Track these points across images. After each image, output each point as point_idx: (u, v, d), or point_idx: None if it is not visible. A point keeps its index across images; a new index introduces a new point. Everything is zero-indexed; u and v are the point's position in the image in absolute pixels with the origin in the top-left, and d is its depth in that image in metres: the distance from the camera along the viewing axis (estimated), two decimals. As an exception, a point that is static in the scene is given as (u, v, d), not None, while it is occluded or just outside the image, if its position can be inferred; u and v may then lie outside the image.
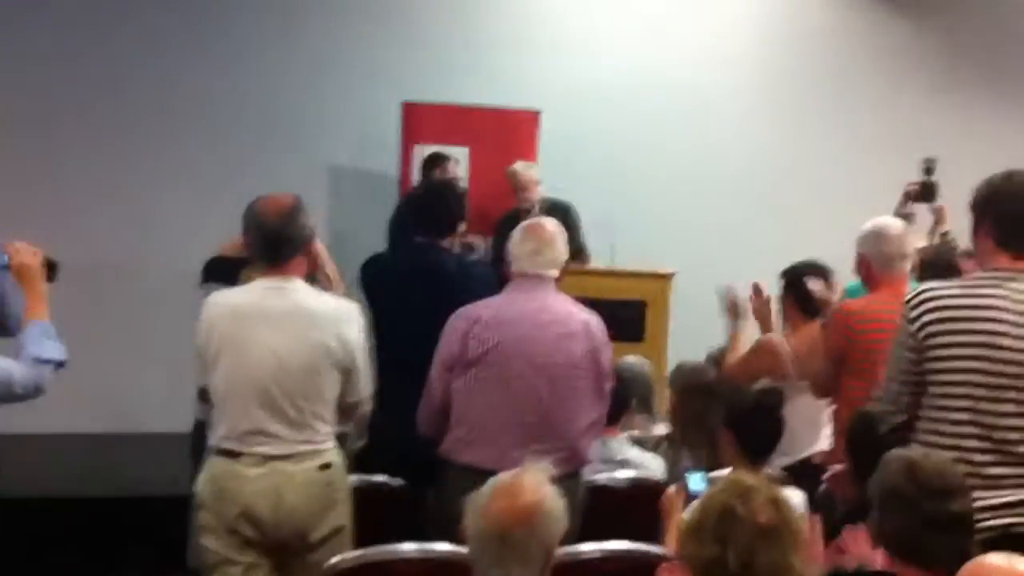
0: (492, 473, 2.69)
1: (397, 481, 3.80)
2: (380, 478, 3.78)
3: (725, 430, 3.58)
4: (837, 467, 3.54)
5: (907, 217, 5.58)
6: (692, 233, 7.43)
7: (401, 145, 6.93)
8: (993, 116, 8.27)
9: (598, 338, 3.64)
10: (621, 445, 4.01)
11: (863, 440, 3.28)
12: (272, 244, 3.38)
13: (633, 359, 4.38)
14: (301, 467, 3.29)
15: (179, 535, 3.98)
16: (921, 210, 5.77)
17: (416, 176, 6.74)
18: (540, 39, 7.61)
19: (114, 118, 6.93)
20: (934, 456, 2.71)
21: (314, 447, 3.33)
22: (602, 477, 3.80)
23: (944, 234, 5.68)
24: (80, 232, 6.47)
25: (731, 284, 4.59)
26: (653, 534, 3.33)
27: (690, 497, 3.25)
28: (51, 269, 3.14)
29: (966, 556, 2.30)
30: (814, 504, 3.46)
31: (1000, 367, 3.02)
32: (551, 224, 3.75)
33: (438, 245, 4.12)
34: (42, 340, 3.03)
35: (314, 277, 3.77)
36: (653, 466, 3.98)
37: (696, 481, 3.29)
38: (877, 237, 4.08)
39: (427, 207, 4.23)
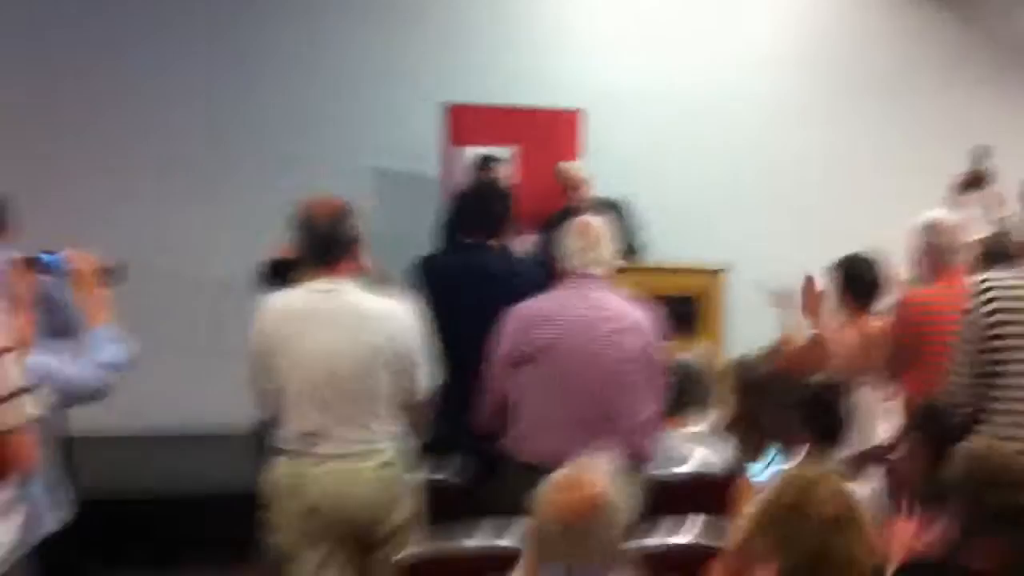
0: (550, 469, 2.67)
1: (459, 478, 3.80)
2: (442, 474, 3.79)
3: (788, 421, 3.53)
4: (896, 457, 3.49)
5: (958, 207, 5.54)
6: (742, 228, 7.38)
7: (443, 147, 6.93)
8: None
9: (652, 333, 3.63)
10: (681, 440, 3.98)
11: (928, 432, 3.23)
12: (322, 245, 3.41)
13: (690, 355, 4.35)
14: (363, 465, 3.32)
15: (246, 532, 3.99)
16: (972, 199, 5.71)
17: (462, 178, 6.74)
18: (581, 38, 7.60)
19: (157, 123, 6.98)
20: (999, 448, 2.67)
21: (375, 446, 3.35)
22: (663, 472, 3.77)
23: (1001, 219, 5.60)
24: (141, 234, 6.54)
25: (774, 281, 4.54)
26: (716, 527, 3.29)
27: (756, 487, 3.22)
28: (117, 272, 3.20)
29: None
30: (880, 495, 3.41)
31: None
32: (598, 222, 3.76)
33: (486, 245, 4.12)
34: (103, 344, 3.08)
35: (378, 275, 3.78)
36: (714, 461, 3.94)
37: (759, 471, 3.26)
38: (931, 230, 4.07)
39: (473, 208, 4.24)
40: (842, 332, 4.36)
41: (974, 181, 5.64)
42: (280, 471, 3.36)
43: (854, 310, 4.43)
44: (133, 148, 6.94)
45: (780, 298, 4.58)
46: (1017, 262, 4.03)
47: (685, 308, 5.72)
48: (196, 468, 6.16)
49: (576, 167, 6.65)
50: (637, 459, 3.57)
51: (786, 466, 3.49)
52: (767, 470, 3.35)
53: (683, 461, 3.91)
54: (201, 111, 7.06)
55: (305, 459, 3.31)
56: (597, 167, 6.78)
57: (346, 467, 3.30)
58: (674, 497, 3.66)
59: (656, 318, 3.69)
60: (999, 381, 3.10)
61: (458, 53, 7.35)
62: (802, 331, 4.49)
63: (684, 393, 4.10)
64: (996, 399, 3.11)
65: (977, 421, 3.19)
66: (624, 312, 3.62)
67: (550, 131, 6.94)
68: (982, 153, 5.66)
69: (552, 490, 2.50)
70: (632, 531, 2.75)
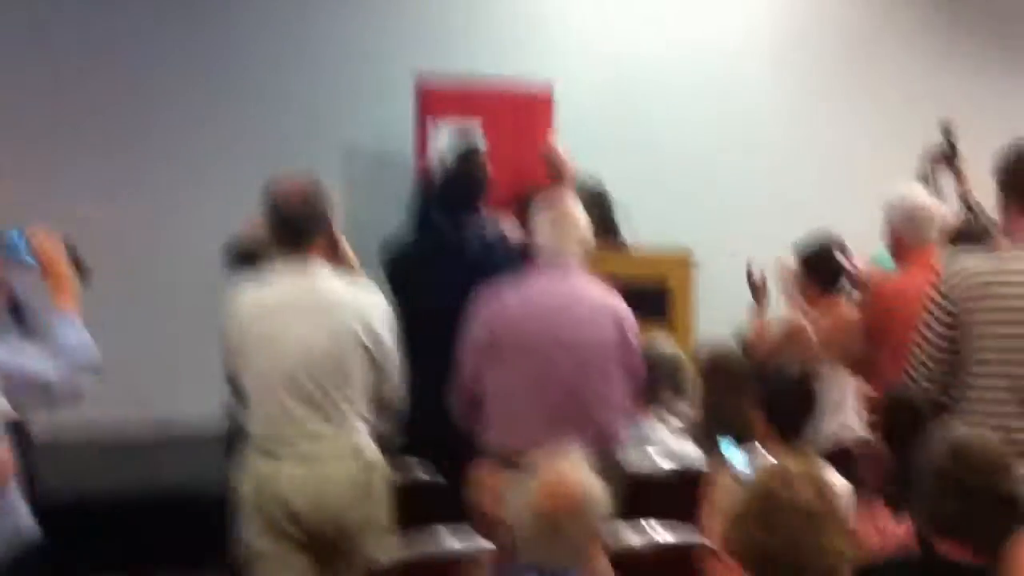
0: (524, 455, 2.64)
1: (435, 475, 3.75)
2: (418, 474, 3.76)
3: (757, 410, 3.52)
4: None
5: (930, 180, 5.53)
6: (711, 210, 7.35)
7: (416, 120, 6.85)
8: (1007, 77, 8.18)
9: (625, 319, 3.62)
10: (653, 427, 3.97)
11: (896, 418, 3.23)
12: (292, 228, 3.36)
13: (661, 340, 4.32)
14: (339, 463, 3.28)
15: (217, 531, 3.94)
16: (943, 174, 5.71)
17: (434, 153, 6.66)
18: (555, 9, 7.50)
19: (122, 105, 6.82)
20: (980, 435, 2.65)
21: (351, 443, 3.31)
22: (643, 465, 3.75)
23: (964, 194, 5.60)
24: (98, 224, 6.36)
25: (753, 264, 4.52)
26: (694, 521, 3.28)
27: (728, 479, 3.21)
28: (82, 272, 3.00)
29: (1013, 536, 2.26)
30: (855, 485, 3.41)
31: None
32: (573, 206, 3.70)
33: (462, 221, 4.06)
34: (69, 334, 2.86)
35: (338, 259, 3.72)
36: (687, 451, 3.93)
37: (730, 449, 3.25)
38: (905, 209, 4.04)
39: (448, 186, 4.17)
40: (809, 316, 4.35)
41: (944, 155, 5.64)
42: (253, 470, 3.31)
43: (818, 295, 4.41)
44: (99, 124, 6.81)
45: (755, 283, 4.57)
46: (984, 244, 4.07)
47: (656, 294, 5.67)
48: (165, 469, 6.07)
49: (564, 149, 6.59)
50: (610, 444, 3.55)
51: (756, 457, 3.49)
52: (738, 461, 3.33)
53: (656, 450, 3.89)
54: (164, 93, 6.91)
55: (279, 457, 3.27)
56: (572, 141, 6.73)
57: (321, 465, 3.26)
58: (651, 490, 3.66)
59: (625, 305, 3.66)
60: (965, 368, 3.09)
61: (430, 27, 7.25)
62: (770, 317, 4.50)
63: (655, 380, 4.08)
64: (961, 386, 3.10)
65: (943, 408, 3.19)
66: (598, 298, 3.61)
67: (521, 104, 6.87)
68: (949, 126, 5.65)
69: (532, 486, 2.48)
70: (609, 526, 2.73)
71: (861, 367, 4.09)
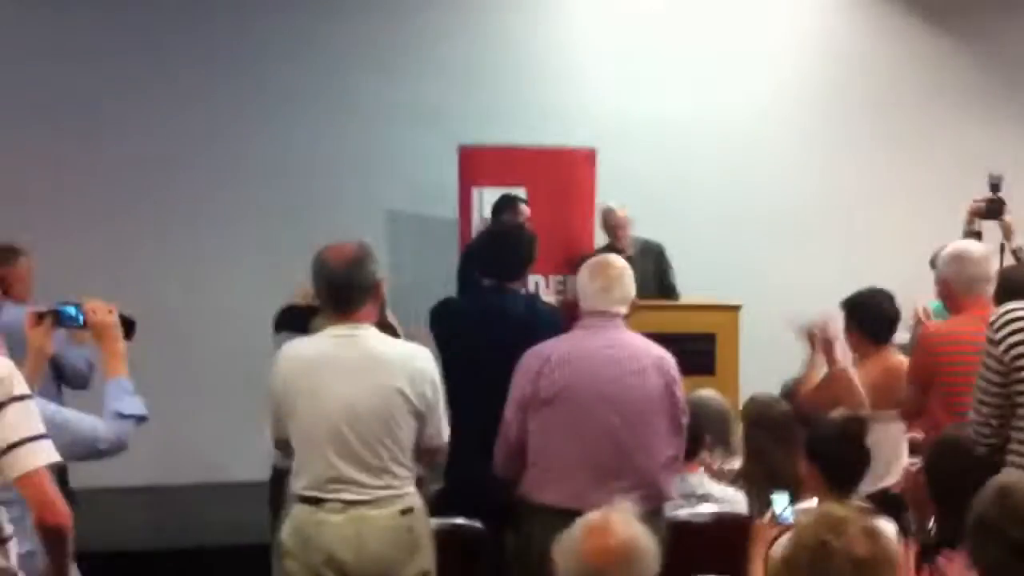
0: (571, 512, 2.66)
1: (476, 524, 3.77)
2: (459, 520, 3.76)
3: (808, 461, 3.51)
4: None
5: (975, 235, 5.52)
6: (754, 266, 7.38)
7: (459, 188, 6.95)
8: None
9: (671, 373, 3.62)
10: (700, 480, 3.96)
11: (944, 466, 3.20)
12: (340, 293, 3.40)
13: (707, 392, 4.32)
14: (382, 512, 3.29)
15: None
16: (989, 227, 5.69)
17: (477, 219, 6.77)
18: (595, 76, 7.63)
19: (170, 168, 7.03)
20: None
21: (394, 492, 3.33)
22: (684, 512, 3.75)
23: (1016, 250, 5.59)
24: (144, 285, 6.56)
25: (813, 315, 4.53)
26: (738, 570, 3.26)
27: (778, 523, 3.20)
28: (128, 327, 3.17)
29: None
30: (904, 532, 3.38)
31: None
32: (619, 261, 3.77)
33: (506, 288, 4.12)
34: (121, 396, 3.05)
35: (384, 323, 3.78)
36: (735, 500, 3.91)
37: (780, 503, 3.24)
38: (959, 260, 4.03)
39: (495, 251, 4.24)
40: (860, 368, 4.34)
41: (989, 210, 5.61)
42: (298, 520, 3.33)
43: (869, 346, 4.41)
44: (147, 194, 6.99)
45: (807, 334, 4.56)
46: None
47: (702, 346, 5.71)
48: (211, 518, 6.15)
49: (622, 207, 6.70)
50: (657, 500, 3.55)
51: (805, 506, 3.47)
52: (786, 510, 3.32)
53: (704, 502, 3.87)
54: (213, 157, 7.11)
55: (324, 507, 3.29)
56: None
57: (366, 514, 3.27)
58: (697, 539, 3.64)
59: (672, 358, 3.68)
60: (1017, 413, 3.08)
61: (473, 94, 7.39)
62: (820, 368, 4.48)
63: (703, 432, 4.07)
64: (1015, 431, 3.09)
65: (1004, 452, 3.17)
66: (644, 351, 3.62)
67: (564, 170, 6.96)
68: (997, 182, 5.64)
69: (579, 536, 2.48)
70: None
71: (910, 413, 4.07)
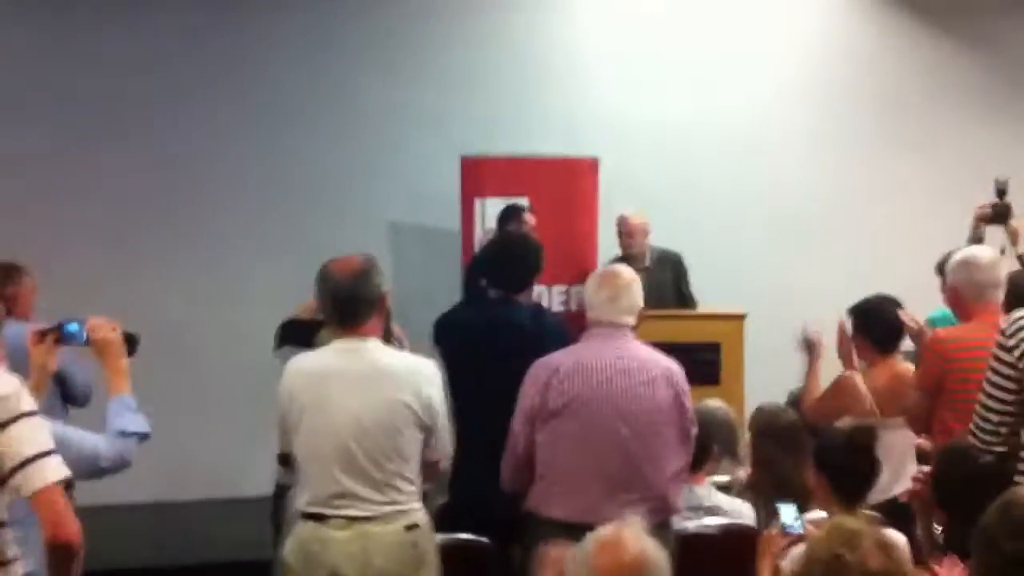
0: (579, 526, 2.64)
1: (483, 539, 3.75)
2: (466, 536, 3.73)
3: (816, 472, 3.48)
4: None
5: (981, 241, 5.49)
6: (758, 273, 7.34)
7: (460, 199, 6.94)
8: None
9: (679, 384, 3.60)
10: (708, 491, 3.93)
11: (952, 474, 3.18)
12: (346, 306, 3.38)
13: (713, 403, 4.29)
14: (388, 528, 3.27)
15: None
16: (994, 232, 5.66)
17: (480, 229, 6.75)
18: (597, 85, 7.60)
19: (171, 180, 7.01)
20: None
21: (399, 507, 3.31)
22: (692, 525, 3.72)
23: (1022, 255, 5.55)
24: (148, 300, 6.54)
25: (808, 322, 4.51)
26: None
27: (786, 533, 3.18)
28: (130, 343, 3.15)
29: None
30: (913, 542, 3.36)
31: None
32: (626, 271, 3.74)
33: (512, 299, 4.11)
34: (124, 413, 3.04)
35: (389, 336, 3.76)
36: (742, 511, 3.89)
37: (788, 513, 3.22)
38: (967, 266, 4.01)
39: (500, 262, 4.23)
40: (867, 376, 4.32)
41: (996, 215, 5.58)
42: (301, 536, 3.31)
43: (876, 354, 4.39)
44: (151, 208, 6.97)
45: (805, 342, 4.54)
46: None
47: (707, 355, 5.69)
48: (214, 535, 6.13)
49: (636, 214, 6.68)
50: (665, 513, 3.53)
51: (814, 516, 3.45)
52: (795, 520, 3.29)
53: (711, 514, 3.85)
54: (219, 166, 7.10)
55: (328, 523, 3.26)
56: (614, 214, 6.80)
57: (371, 530, 3.25)
58: (705, 551, 3.62)
59: (680, 368, 3.66)
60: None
61: (474, 104, 7.36)
62: (826, 376, 4.46)
63: (709, 442, 4.04)
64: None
65: (1009, 461, 3.15)
66: (650, 362, 3.59)
67: (566, 179, 6.94)
68: (1003, 186, 5.60)
69: (591, 552, 2.46)
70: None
71: (918, 420, 4.04)
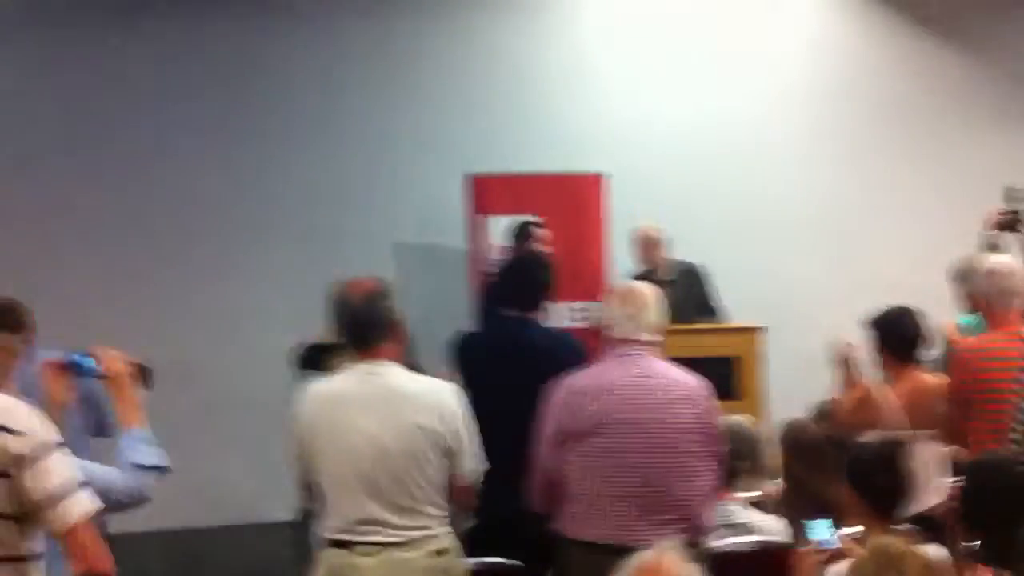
0: (612, 547, 2.59)
1: (513, 562, 3.69)
2: (496, 559, 3.68)
3: (849, 487, 3.41)
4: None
5: (992, 248, 5.45)
6: (770, 284, 7.30)
7: (467, 217, 6.90)
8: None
9: (707, 401, 3.55)
10: (738, 508, 3.86)
11: (982, 487, 3.11)
12: (360, 329, 3.33)
13: (738, 418, 4.22)
14: (416, 554, 3.22)
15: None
16: (1007, 239, 5.62)
17: (487, 248, 6.71)
18: (601, 101, 7.58)
19: (177, 201, 7.00)
20: None
21: (428, 532, 3.26)
22: (725, 542, 3.65)
23: None
24: (166, 328, 6.53)
25: (839, 337, 4.46)
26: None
27: (820, 549, 3.12)
28: (145, 375, 3.10)
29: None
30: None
31: None
32: (647, 288, 3.68)
33: (527, 318, 4.05)
34: (139, 447, 2.98)
35: (410, 360, 3.70)
36: (774, 528, 3.82)
37: (820, 530, 3.16)
38: (989, 274, 3.98)
39: (514, 280, 4.17)
40: (890, 389, 4.26)
41: (1009, 222, 5.54)
42: (330, 563, 3.25)
43: (898, 365, 4.33)
44: (152, 237, 6.95)
45: (840, 356, 4.48)
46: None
47: (724, 369, 5.62)
48: (228, 561, 6.07)
49: (650, 229, 6.63)
50: (698, 533, 3.47)
51: (850, 531, 3.38)
52: (828, 537, 3.23)
53: (743, 531, 3.78)
54: (225, 193, 7.07)
55: (356, 550, 3.21)
56: (623, 229, 6.75)
57: (399, 556, 3.20)
58: (739, 569, 3.55)
59: (706, 384, 3.60)
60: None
61: (478, 121, 7.34)
62: (851, 389, 4.40)
63: (736, 459, 3.97)
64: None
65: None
66: (676, 380, 3.54)
67: (573, 196, 6.91)
68: (1015, 194, 5.57)
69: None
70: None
71: (947, 432, 3.99)
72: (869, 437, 3.97)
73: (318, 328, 4.31)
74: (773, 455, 4.25)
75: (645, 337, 3.56)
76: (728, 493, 3.86)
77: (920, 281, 5.78)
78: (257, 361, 6.19)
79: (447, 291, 6.96)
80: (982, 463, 3.26)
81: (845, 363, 4.45)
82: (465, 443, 3.35)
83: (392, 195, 7.26)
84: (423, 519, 3.24)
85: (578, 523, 3.47)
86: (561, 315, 6.62)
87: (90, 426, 4.22)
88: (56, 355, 3.15)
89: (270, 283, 6.93)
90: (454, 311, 6.46)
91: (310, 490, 3.41)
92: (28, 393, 2.85)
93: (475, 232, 6.86)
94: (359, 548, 3.20)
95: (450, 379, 3.65)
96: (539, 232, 6.37)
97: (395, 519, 3.21)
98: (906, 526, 3.50)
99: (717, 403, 3.60)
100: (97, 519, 2.51)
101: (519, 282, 4.17)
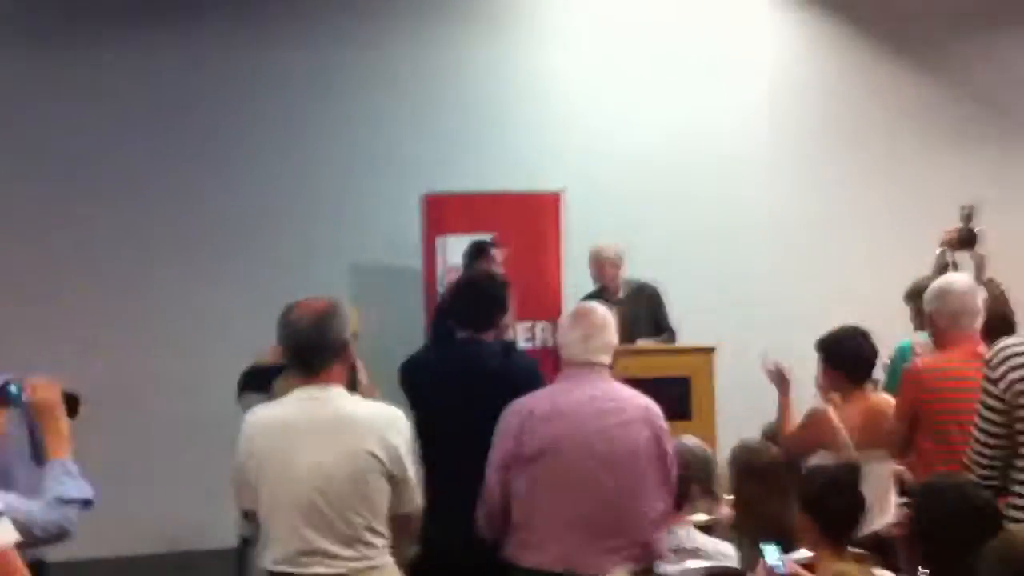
0: (560, 575, 2.51)
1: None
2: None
3: (802, 511, 3.38)
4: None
5: (947, 267, 5.46)
6: (725, 305, 7.30)
7: (424, 237, 6.84)
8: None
9: (658, 423, 3.49)
10: (689, 532, 3.80)
11: (932, 512, 3.08)
12: (307, 352, 3.23)
13: (691, 440, 4.17)
14: None
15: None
16: (962, 258, 5.63)
17: (442, 267, 6.66)
18: (558, 120, 7.57)
19: (130, 224, 6.91)
20: None
21: (370, 563, 3.15)
22: (674, 569, 3.59)
23: (988, 281, 5.52)
24: (111, 353, 6.41)
25: (768, 355, 4.44)
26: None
27: (770, 573, 3.08)
28: (71, 404, 2.98)
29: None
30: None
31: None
32: (600, 309, 3.63)
33: (480, 340, 3.98)
34: (63, 479, 2.86)
35: (354, 384, 3.62)
36: (725, 552, 3.77)
37: (772, 554, 3.12)
38: (942, 294, 3.95)
39: (466, 301, 4.10)
40: (842, 409, 4.23)
41: (963, 241, 5.55)
42: (268, 593, 3.15)
43: (849, 386, 4.31)
44: (94, 254, 6.86)
45: (774, 375, 4.46)
46: (1011, 326, 3.98)
47: (678, 389, 5.59)
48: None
49: (606, 247, 6.59)
50: (648, 559, 3.42)
51: (798, 556, 3.35)
52: (778, 561, 3.19)
53: (694, 556, 3.72)
54: (177, 213, 6.98)
55: (295, 580, 3.11)
56: (581, 248, 6.71)
57: (339, 587, 3.10)
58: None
59: (658, 407, 3.55)
60: (1017, 452, 2.99)
61: (434, 141, 7.30)
62: (793, 409, 4.38)
63: (689, 481, 3.92)
64: (1016, 470, 3.00)
65: (1000, 493, 3.08)
66: (630, 402, 3.48)
67: (530, 215, 6.87)
68: (971, 212, 5.58)
69: None
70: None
71: (897, 448, 3.98)
72: (822, 461, 3.96)
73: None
74: (724, 477, 4.21)
75: (597, 359, 3.51)
76: (679, 517, 3.81)
77: (878, 298, 5.78)
78: (205, 385, 6.08)
79: (403, 312, 6.89)
80: (933, 486, 3.22)
81: (780, 380, 4.43)
82: (407, 472, 3.25)
83: (348, 216, 7.20)
84: (366, 549, 3.14)
85: (526, 550, 3.39)
86: (517, 334, 6.62)
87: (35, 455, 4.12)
88: None
89: (223, 304, 6.83)
90: (410, 332, 6.38)
91: (249, 517, 3.32)
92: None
93: (431, 252, 6.81)
94: None
95: (395, 397, 3.58)
96: (494, 251, 6.32)
97: (337, 549, 3.11)
98: (858, 550, 3.48)
99: (667, 425, 3.54)
100: (21, 552, 2.41)
101: (472, 302, 4.09)
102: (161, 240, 6.94)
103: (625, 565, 2.46)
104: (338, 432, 3.16)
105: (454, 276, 6.07)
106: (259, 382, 4.06)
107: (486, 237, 6.47)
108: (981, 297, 4.02)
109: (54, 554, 3.43)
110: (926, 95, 8.19)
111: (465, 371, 3.91)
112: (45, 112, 6.76)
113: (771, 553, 3.20)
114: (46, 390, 2.92)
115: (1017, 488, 3.00)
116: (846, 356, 4.31)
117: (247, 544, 3.89)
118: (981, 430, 3.09)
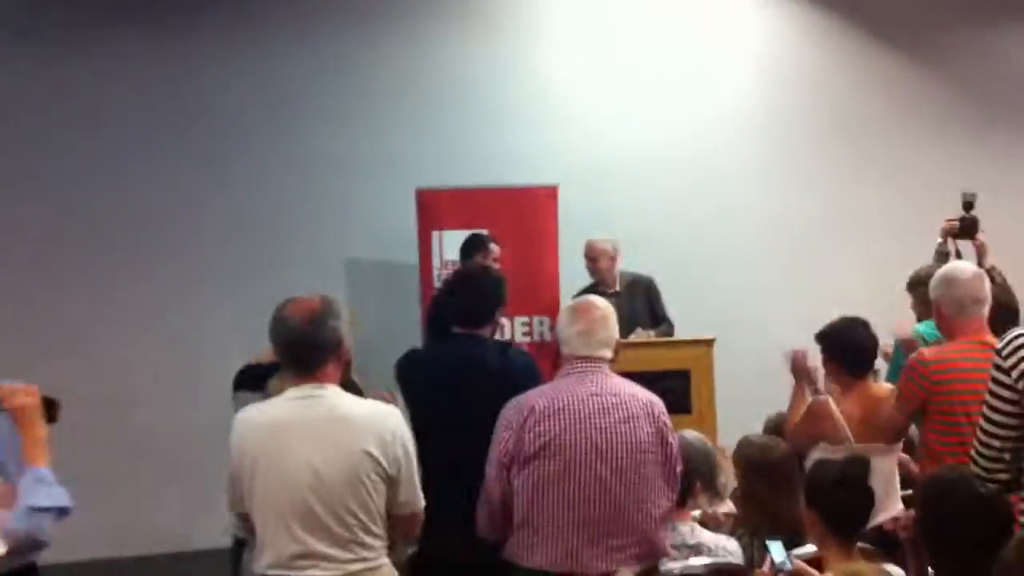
0: (564, 573, 2.45)
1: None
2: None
3: (808, 507, 3.32)
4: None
5: (947, 255, 5.42)
6: (722, 298, 7.27)
7: (418, 232, 6.79)
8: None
9: (661, 418, 3.43)
10: (692, 528, 3.74)
11: (938, 508, 3.02)
12: (301, 351, 3.16)
13: (692, 434, 4.10)
14: None
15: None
16: (964, 247, 5.59)
17: (438, 263, 6.61)
18: (552, 115, 7.54)
19: (125, 224, 6.88)
20: None
21: (367, 565, 3.09)
22: (677, 566, 3.53)
23: (990, 269, 5.48)
24: (104, 354, 6.38)
25: (789, 348, 4.38)
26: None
27: (778, 571, 3.02)
28: (51, 409, 2.92)
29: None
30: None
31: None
32: (600, 303, 3.56)
33: (477, 336, 3.92)
34: (37, 488, 2.81)
35: (349, 382, 3.56)
36: (728, 549, 3.71)
37: (777, 551, 3.06)
38: (948, 282, 3.90)
39: (462, 296, 4.03)
40: (842, 401, 4.18)
41: (963, 229, 5.50)
42: (262, 595, 3.08)
43: (849, 378, 4.25)
44: (106, 253, 6.82)
45: (797, 367, 4.41)
46: (1015, 315, 3.93)
47: (678, 382, 5.53)
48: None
49: (600, 240, 6.55)
50: (653, 557, 3.36)
51: (803, 551, 3.29)
52: (783, 559, 3.13)
53: (697, 552, 3.67)
54: (172, 211, 6.95)
55: (289, 582, 3.04)
56: (575, 242, 6.66)
57: (335, 589, 3.04)
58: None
59: (661, 402, 3.49)
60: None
61: (429, 136, 7.28)
62: (806, 400, 4.33)
63: (692, 477, 3.86)
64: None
65: (1008, 486, 3.03)
66: (632, 397, 3.41)
67: (524, 210, 6.83)
68: (971, 200, 5.53)
69: None
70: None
71: (892, 434, 3.94)
72: (823, 453, 3.90)
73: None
74: (726, 471, 4.16)
75: (597, 354, 3.45)
76: (682, 513, 3.75)
77: (874, 293, 5.75)
78: (199, 381, 6.05)
79: (399, 308, 6.86)
80: (939, 482, 3.17)
81: (805, 374, 4.37)
82: (405, 471, 3.19)
83: (343, 212, 7.19)
84: (362, 551, 3.08)
85: (528, 549, 3.33)
86: (514, 329, 6.58)
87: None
88: None
89: (217, 302, 6.81)
90: (406, 328, 6.36)
91: (244, 519, 3.26)
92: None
93: (426, 247, 6.76)
94: None
95: (392, 401, 3.52)
96: (490, 246, 6.26)
97: (333, 552, 3.05)
98: (864, 544, 3.43)
99: (670, 420, 3.48)
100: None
101: (468, 298, 4.02)
102: (155, 238, 6.91)
103: (630, 564, 2.39)
104: (333, 432, 3.10)
105: (451, 271, 6.06)
106: (254, 381, 3.99)
107: (480, 232, 6.43)
108: (987, 284, 3.96)
109: (51, 557, 3.39)
110: (923, 88, 8.14)
111: (463, 368, 3.85)
112: (45, 112, 6.74)
113: (777, 550, 3.14)
114: (23, 395, 2.87)
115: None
116: (845, 347, 4.26)
117: (241, 545, 3.82)
118: (989, 420, 3.02)
